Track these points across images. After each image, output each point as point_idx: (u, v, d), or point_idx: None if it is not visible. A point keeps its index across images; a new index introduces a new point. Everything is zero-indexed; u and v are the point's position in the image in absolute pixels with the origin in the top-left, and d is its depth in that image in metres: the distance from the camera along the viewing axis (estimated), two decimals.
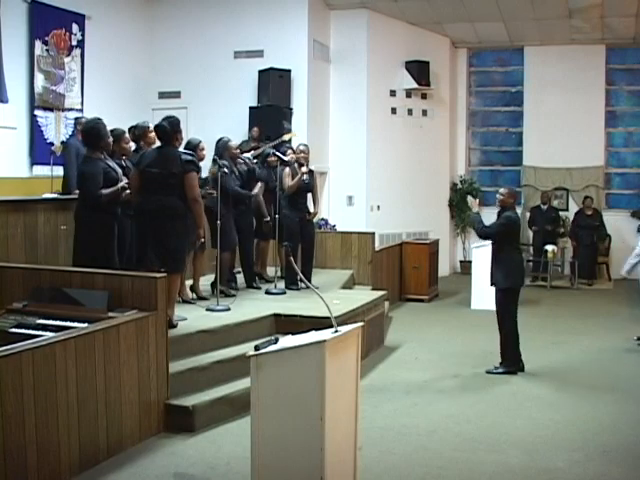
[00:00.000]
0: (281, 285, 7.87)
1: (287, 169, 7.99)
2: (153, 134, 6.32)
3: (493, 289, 6.99)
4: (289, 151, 8.43)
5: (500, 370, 6.82)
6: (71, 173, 7.93)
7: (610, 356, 7.63)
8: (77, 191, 6.30)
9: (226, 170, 7.10)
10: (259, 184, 8.02)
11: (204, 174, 7.38)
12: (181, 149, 6.60)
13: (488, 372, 6.84)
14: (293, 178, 7.93)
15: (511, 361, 6.84)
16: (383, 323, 8.25)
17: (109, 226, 5.80)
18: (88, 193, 5.77)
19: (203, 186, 6.99)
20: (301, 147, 8.23)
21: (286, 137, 9.15)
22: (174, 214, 5.79)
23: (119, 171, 6.02)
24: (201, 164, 7.19)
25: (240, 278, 8.05)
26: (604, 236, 12.90)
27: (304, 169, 8.00)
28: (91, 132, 5.92)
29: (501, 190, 7.03)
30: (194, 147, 6.90)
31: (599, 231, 12.77)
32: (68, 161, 8.10)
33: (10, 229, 6.26)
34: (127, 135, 6.58)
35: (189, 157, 5.99)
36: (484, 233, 6.94)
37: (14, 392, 3.92)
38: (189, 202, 5.86)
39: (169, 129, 5.88)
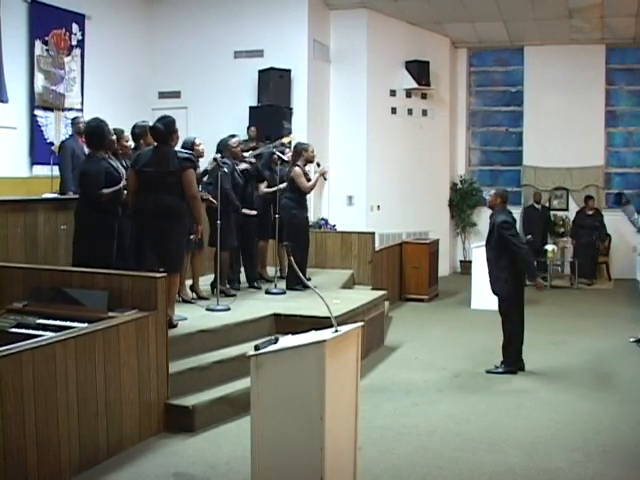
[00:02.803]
0: (281, 285, 7.86)
1: (298, 169, 7.90)
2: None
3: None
4: (287, 150, 8.48)
5: (500, 370, 6.82)
6: (67, 174, 7.94)
7: (610, 356, 7.63)
8: (73, 191, 6.29)
9: (226, 170, 7.10)
10: (264, 183, 8.06)
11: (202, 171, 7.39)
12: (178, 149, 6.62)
13: (488, 372, 6.84)
14: (306, 176, 7.94)
15: (511, 361, 6.83)
16: (383, 323, 8.25)
17: (109, 226, 5.81)
18: (89, 192, 5.77)
19: (200, 182, 6.99)
20: (312, 147, 8.17)
21: (285, 140, 9.16)
22: (172, 213, 5.76)
23: (122, 171, 6.03)
24: (201, 160, 7.23)
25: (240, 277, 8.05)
26: (604, 236, 12.90)
27: (323, 167, 8.04)
28: (94, 132, 5.93)
29: (490, 192, 7.04)
30: (190, 145, 6.90)
31: (599, 231, 12.78)
32: (63, 162, 8.11)
33: (10, 229, 6.26)
34: (127, 134, 6.58)
35: (185, 155, 5.99)
36: (525, 253, 6.66)
37: (14, 392, 3.92)
38: (188, 199, 5.84)
39: (163, 130, 5.84)
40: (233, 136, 7.82)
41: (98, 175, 5.77)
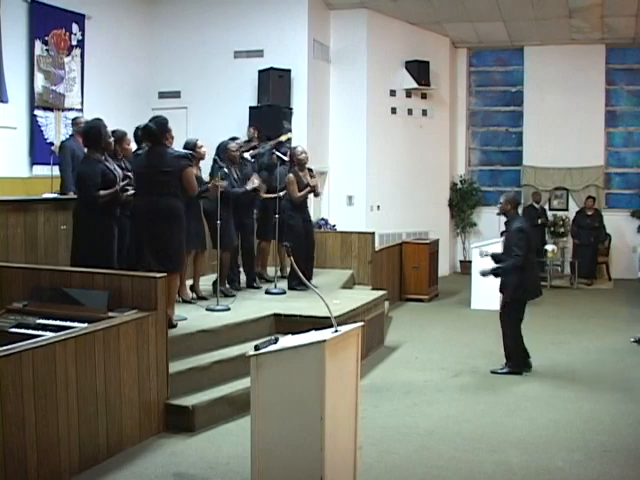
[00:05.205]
0: (281, 285, 7.86)
1: (291, 176, 7.84)
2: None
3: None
4: (288, 151, 8.44)
5: (505, 370, 6.81)
6: (67, 174, 7.93)
7: (610, 356, 7.63)
8: (73, 191, 6.28)
9: (226, 170, 7.11)
10: (253, 177, 7.86)
11: (205, 174, 7.39)
12: (179, 149, 6.63)
13: (493, 372, 6.82)
14: (298, 184, 7.84)
15: (516, 362, 6.82)
16: (383, 323, 8.25)
17: (108, 227, 5.79)
18: (86, 194, 5.76)
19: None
20: (300, 148, 8.15)
21: (283, 138, 9.13)
22: (169, 214, 5.76)
23: (119, 172, 6.01)
24: (201, 162, 7.23)
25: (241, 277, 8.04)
26: (604, 237, 12.89)
27: (313, 182, 7.93)
28: (91, 132, 5.92)
29: (500, 199, 6.99)
30: (192, 147, 6.91)
31: (599, 232, 12.78)
32: (63, 162, 8.12)
33: (10, 229, 6.26)
34: (128, 136, 6.59)
35: (183, 153, 5.98)
36: (516, 264, 6.61)
37: (14, 392, 3.92)
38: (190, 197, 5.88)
39: (155, 129, 5.86)
40: (234, 139, 7.80)
41: (94, 177, 5.74)
